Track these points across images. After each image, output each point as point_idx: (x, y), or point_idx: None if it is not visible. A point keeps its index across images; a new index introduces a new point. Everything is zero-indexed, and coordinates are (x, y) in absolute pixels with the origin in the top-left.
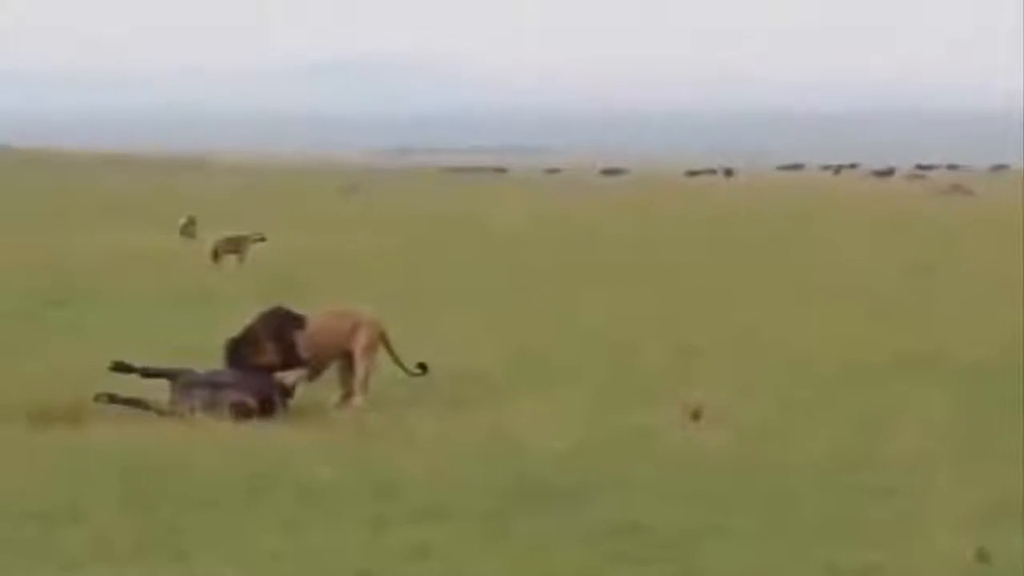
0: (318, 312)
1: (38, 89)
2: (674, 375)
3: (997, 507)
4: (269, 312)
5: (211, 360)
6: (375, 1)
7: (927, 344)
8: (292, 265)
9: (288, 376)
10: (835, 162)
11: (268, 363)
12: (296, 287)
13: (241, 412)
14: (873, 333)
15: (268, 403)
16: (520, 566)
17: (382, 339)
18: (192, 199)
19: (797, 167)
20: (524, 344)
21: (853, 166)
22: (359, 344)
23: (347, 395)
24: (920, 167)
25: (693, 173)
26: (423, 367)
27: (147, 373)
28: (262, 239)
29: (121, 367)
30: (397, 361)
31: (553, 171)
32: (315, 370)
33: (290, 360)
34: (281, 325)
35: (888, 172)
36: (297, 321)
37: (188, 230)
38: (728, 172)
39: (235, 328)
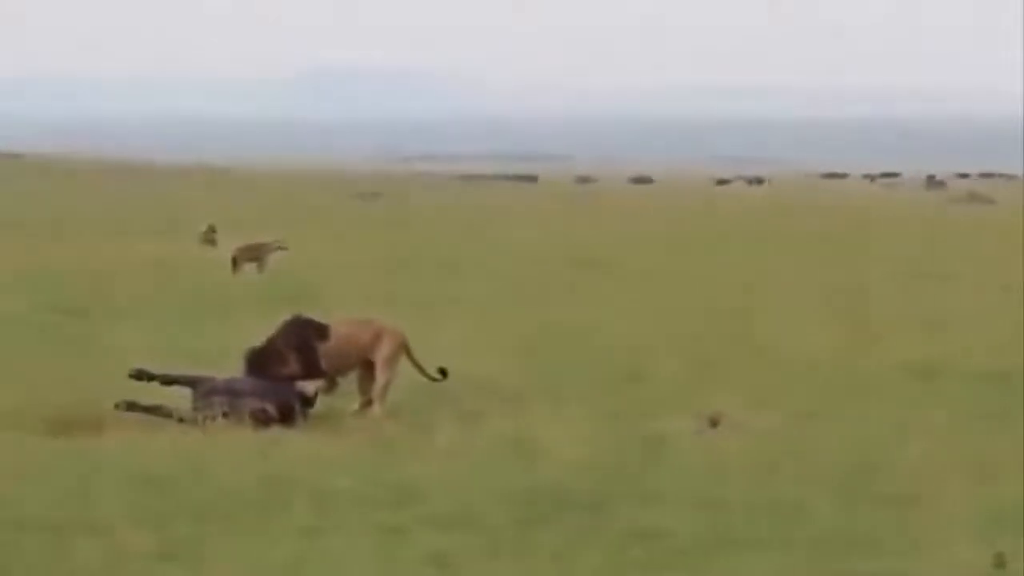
0: (339, 321)
1: (57, 95)
2: (690, 384)
3: (1013, 513)
4: (290, 322)
5: (230, 368)
6: (378, 10)
7: (942, 352)
8: (312, 273)
9: (308, 386)
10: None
11: (289, 374)
12: (315, 295)
13: (261, 420)
14: (888, 342)
15: (288, 411)
16: (539, 574)
17: (404, 349)
18: (209, 207)
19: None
20: (542, 353)
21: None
22: (381, 354)
23: (366, 404)
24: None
25: (723, 182)
26: (443, 372)
27: (167, 380)
28: (283, 247)
29: (141, 375)
30: (419, 368)
31: (583, 179)
32: (334, 379)
33: (311, 371)
34: (302, 335)
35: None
36: (319, 330)
37: (208, 237)
38: (758, 180)
39: (254, 336)
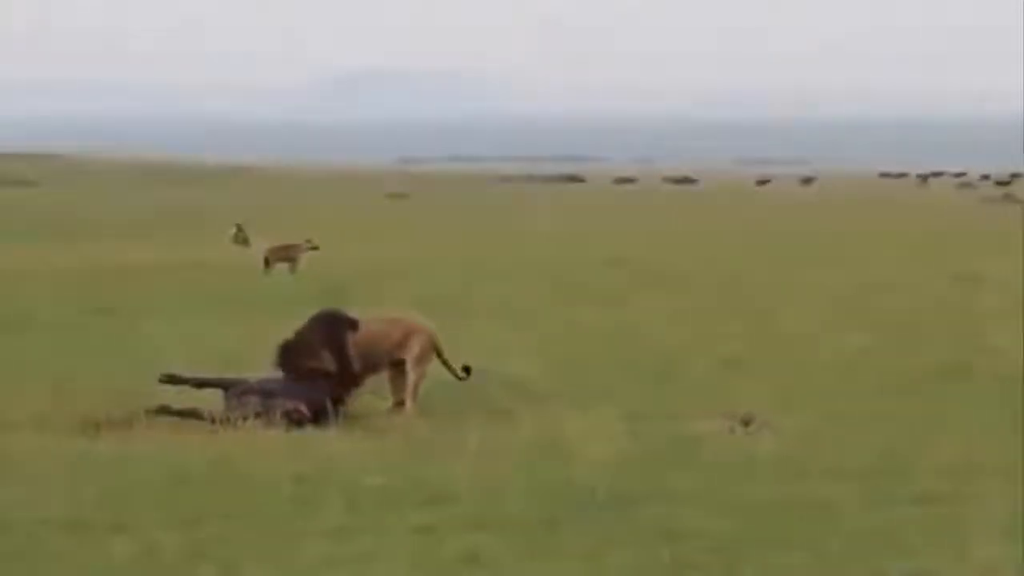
0: (370, 318)
1: (81, 96)
2: (719, 384)
3: None
4: (321, 316)
5: (261, 368)
6: (400, 14)
7: (971, 353)
8: (343, 273)
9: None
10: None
11: (321, 367)
12: (347, 295)
13: (294, 420)
14: (918, 341)
15: (321, 411)
16: (568, 574)
17: (434, 347)
18: (240, 208)
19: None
20: (573, 353)
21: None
22: (412, 353)
23: (398, 403)
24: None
25: (763, 182)
26: (467, 370)
27: (198, 384)
28: (315, 247)
29: (171, 379)
30: (447, 366)
31: (624, 180)
32: (364, 376)
33: (343, 364)
34: (333, 329)
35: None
36: (350, 323)
37: (240, 238)
38: (808, 180)
39: (285, 336)
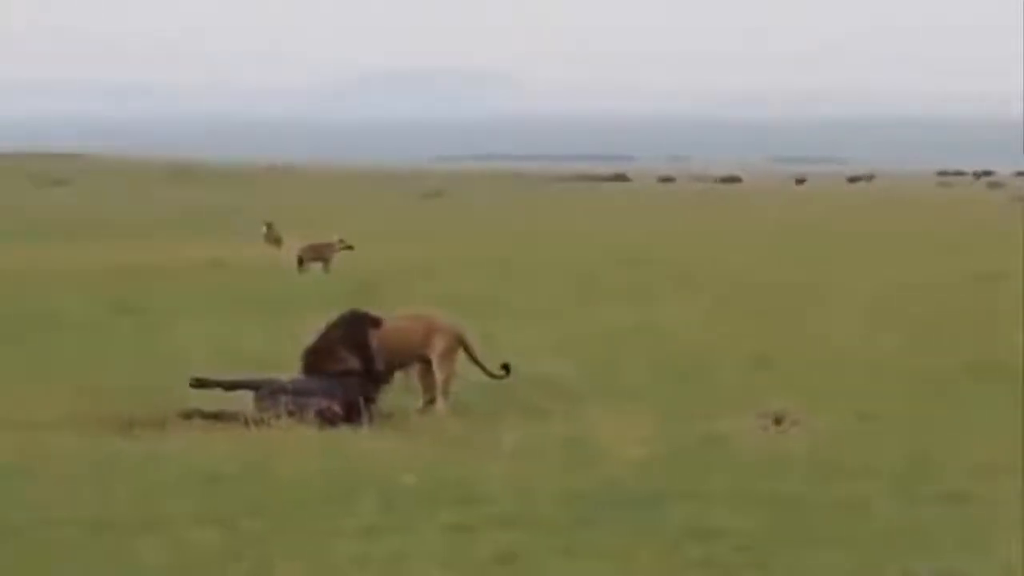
0: (394, 316)
1: (113, 97)
2: (749, 383)
3: None
4: (342, 317)
5: (292, 368)
6: (422, 13)
7: (998, 352)
8: (376, 272)
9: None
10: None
11: (346, 368)
12: (379, 294)
13: (326, 418)
14: (946, 341)
15: (353, 409)
16: (602, 572)
17: (462, 344)
18: (271, 208)
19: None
20: (603, 353)
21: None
22: (435, 350)
23: (430, 401)
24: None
25: (800, 181)
26: (506, 368)
27: (228, 386)
28: (348, 247)
29: (201, 383)
30: (480, 365)
31: (667, 179)
32: (391, 374)
33: (367, 362)
34: (355, 329)
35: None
36: (372, 321)
37: (272, 236)
38: (867, 178)
39: (309, 341)
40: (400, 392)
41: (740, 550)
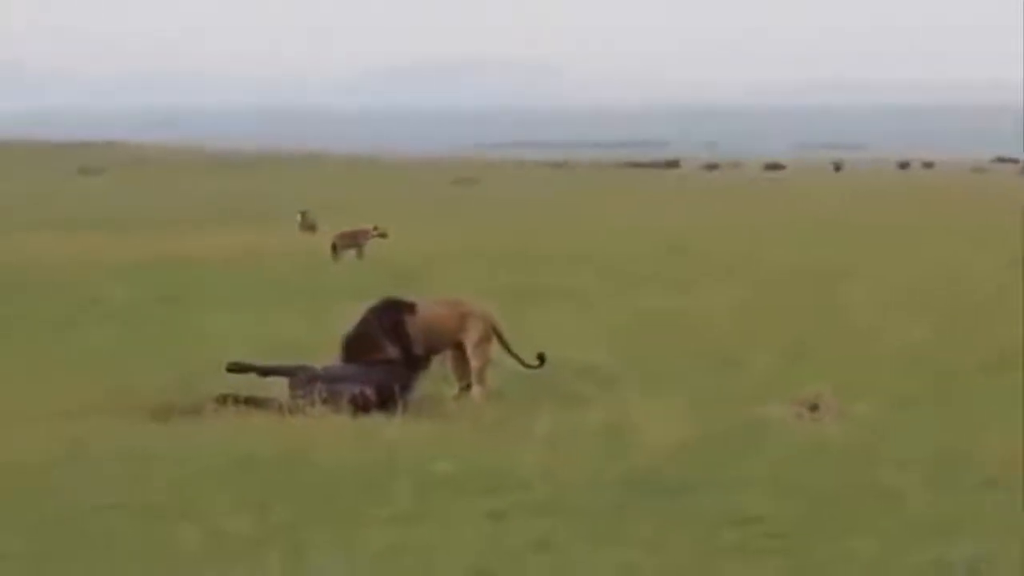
0: (427, 302)
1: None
2: (784, 371)
3: None
4: (378, 305)
5: (328, 356)
6: (460, 3)
7: None
8: (410, 259)
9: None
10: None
11: (385, 356)
12: (414, 281)
13: (360, 406)
14: (980, 330)
15: (388, 396)
16: (636, 559)
17: (494, 331)
18: (309, 196)
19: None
20: (638, 340)
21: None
22: (470, 337)
23: (465, 388)
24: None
25: (838, 167)
26: (541, 359)
27: (264, 372)
28: (382, 235)
29: (237, 367)
30: (512, 353)
31: (712, 166)
32: (428, 359)
33: (406, 348)
34: (392, 316)
35: None
36: (408, 307)
37: (307, 224)
38: (904, 165)
39: (350, 323)
40: (434, 379)
41: (774, 537)
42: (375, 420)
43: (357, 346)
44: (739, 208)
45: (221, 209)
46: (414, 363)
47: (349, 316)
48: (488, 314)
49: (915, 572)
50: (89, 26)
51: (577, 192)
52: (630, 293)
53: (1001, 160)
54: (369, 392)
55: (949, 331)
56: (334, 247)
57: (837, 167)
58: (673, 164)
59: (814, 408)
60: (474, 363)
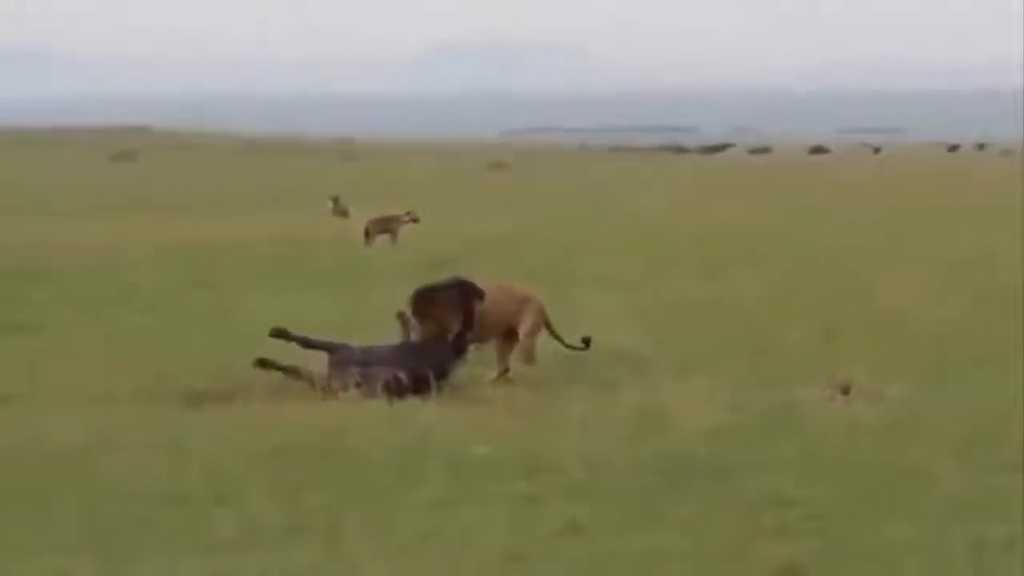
0: (489, 285)
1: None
2: (819, 353)
3: None
4: (458, 280)
5: (362, 340)
6: None
7: None
8: (443, 244)
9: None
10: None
11: (447, 329)
12: (448, 266)
13: (394, 389)
14: (1014, 310)
15: (422, 380)
16: (671, 542)
17: (545, 317)
18: (341, 181)
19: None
20: (672, 325)
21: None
22: (524, 325)
23: (503, 372)
24: None
25: (876, 151)
26: (587, 341)
27: (306, 343)
28: (415, 220)
29: (280, 334)
30: (557, 337)
31: (759, 151)
32: (469, 345)
33: (467, 329)
34: (467, 295)
35: None
36: (478, 294)
37: (339, 210)
38: (955, 148)
39: (387, 307)
40: (469, 363)
41: (811, 519)
42: (410, 404)
43: (428, 299)
44: (780, 193)
45: (254, 194)
46: (459, 348)
47: (384, 301)
48: (542, 302)
49: (950, 552)
50: (121, 11)
51: (610, 176)
52: (663, 277)
53: None
54: (403, 377)
55: (982, 312)
56: (367, 232)
57: (876, 150)
58: (717, 148)
59: (847, 390)
60: (525, 346)
